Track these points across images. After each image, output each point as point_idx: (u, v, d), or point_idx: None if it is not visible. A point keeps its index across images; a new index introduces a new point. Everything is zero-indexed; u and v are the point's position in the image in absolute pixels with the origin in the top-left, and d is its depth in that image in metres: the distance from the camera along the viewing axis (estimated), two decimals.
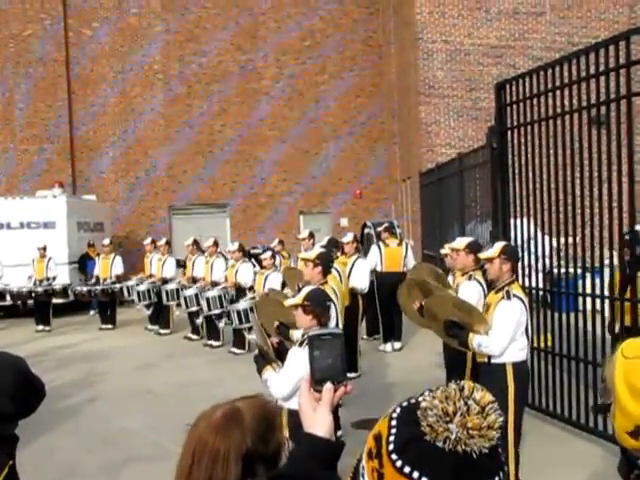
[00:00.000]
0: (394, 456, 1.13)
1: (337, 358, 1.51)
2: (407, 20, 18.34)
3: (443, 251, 8.40)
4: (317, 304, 4.45)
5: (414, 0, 17.22)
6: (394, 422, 1.17)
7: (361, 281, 9.56)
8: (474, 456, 1.10)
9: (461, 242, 6.72)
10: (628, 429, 1.39)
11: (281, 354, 4.57)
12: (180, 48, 22.09)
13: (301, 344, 4.33)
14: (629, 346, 1.43)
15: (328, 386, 1.48)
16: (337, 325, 6.32)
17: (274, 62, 22.28)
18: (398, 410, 1.19)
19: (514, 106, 7.66)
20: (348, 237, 10.24)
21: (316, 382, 1.49)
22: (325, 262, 6.50)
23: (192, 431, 1.93)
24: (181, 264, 14.37)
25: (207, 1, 22.08)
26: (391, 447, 1.14)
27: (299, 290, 5.50)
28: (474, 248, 6.44)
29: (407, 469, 1.11)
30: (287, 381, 4.25)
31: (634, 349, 1.41)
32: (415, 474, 1.10)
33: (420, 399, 1.17)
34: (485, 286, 6.20)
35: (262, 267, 11.03)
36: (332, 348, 1.52)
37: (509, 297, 5.08)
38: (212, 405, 1.98)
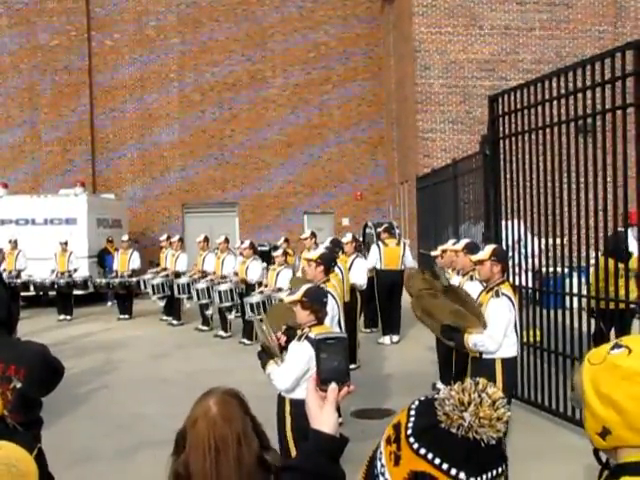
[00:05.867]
0: (412, 439, 1.19)
1: (341, 361, 1.53)
2: (406, 35, 18.26)
3: (434, 253, 8.35)
4: (314, 301, 4.43)
5: (412, 17, 17.15)
6: (413, 412, 1.24)
7: (360, 278, 9.53)
8: (483, 445, 1.16)
9: (460, 244, 6.64)
10: (597, 430, 1.42)
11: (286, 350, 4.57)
12: (194, 58, 22.03)
13: (299, 339, 4.32)
14: (595, 353, 1.46)
15: (333, 386, 1.49)
16: (339, 319, 6.27)
17: (281, 72, 22.21)
18: (417, 402, 1.26)
19: (506, 117, 7.60)
20: (347, 237, 10.21)
21: (322, 382, 1.51)
22: (327, 261, 6.46)
23: (196, 431, 1.94)
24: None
25: (220, 15, 22.02)
26: (409, 432, 1.20)
27: None
28: (472, 249, 6.38)
29: (423, 451, 1.17)
30: (288, 374, 4.27)
31: (599, 356, 1.44)
32: (430, 455, 1.17)
33: (436, 395, 1.23)
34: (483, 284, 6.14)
35: (269, 264, 10.98)
36: (337, 351, 1.53)
37: (498, 295, 5.05)
38: (197, 404, 1.97)
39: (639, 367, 1.36)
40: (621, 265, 6.08)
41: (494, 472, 1.18)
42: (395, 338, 11.01)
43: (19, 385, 2.78)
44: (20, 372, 2.95)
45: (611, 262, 6.86)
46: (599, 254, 6.76)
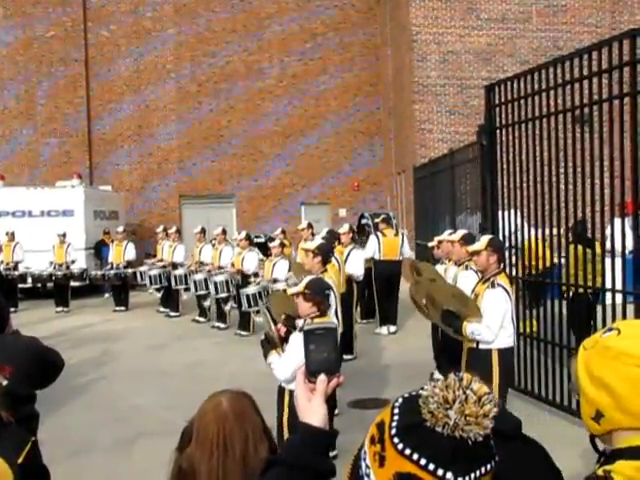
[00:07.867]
0: (396, 439, 1.14)
1: (331, 351, 1.50)
2: (403, 24, 18.18)
3: (431, 244, 8.35)
4: (317, 292, 4.43)
5: (409, 6, 17.07)
6: (396, 410, 1.19)
7: (357, 269, 9.48)
8: (469, 443, 1.11)
9: (456, 235, 6.64)
10: (591, 415, 1.41)
11: (287, 341, 4.56)
12: (191, 49, 21.94)
13: (301, 330, 4.31)
14: (589, 339, 1.47)
15: (322, 378, 1.46)
16: (336, 310, 6.26)
17: (278, 63, 22.14)
18: (400, 400, 1.21)
19: (502, 107, 7.58)
20: (344, 228, 10.16)
21: (311, 374, 1.47)
22: (324, 252, 6.46)
23: (205, 424, 1.86)
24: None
25: (216, 6, 21.91)
26: (393, 432, 1.15)
27: None
28: (468, 240, 6.38)
29: (408, 451, 1.12)
30: (289, 365, 4.26)
31: (592, 341, 1.45)
32: (415, 456, 1.12)
33: (420, 391, 1.18)
34: (479, 274, 6.14)
35: (266, 255, 10.97)
36: (326, 342, 1.50)
37: (494, 286, 5.05)
38: (208, 399, 1.92)
39: (627, 347, 1.37)
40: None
41: (482, 470, 1.14)
42: (392, 329, 11.02)
43: (5, 383, 2.74)
44: (6, 370, 2.90)
45: (580, 249, 6.89)
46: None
